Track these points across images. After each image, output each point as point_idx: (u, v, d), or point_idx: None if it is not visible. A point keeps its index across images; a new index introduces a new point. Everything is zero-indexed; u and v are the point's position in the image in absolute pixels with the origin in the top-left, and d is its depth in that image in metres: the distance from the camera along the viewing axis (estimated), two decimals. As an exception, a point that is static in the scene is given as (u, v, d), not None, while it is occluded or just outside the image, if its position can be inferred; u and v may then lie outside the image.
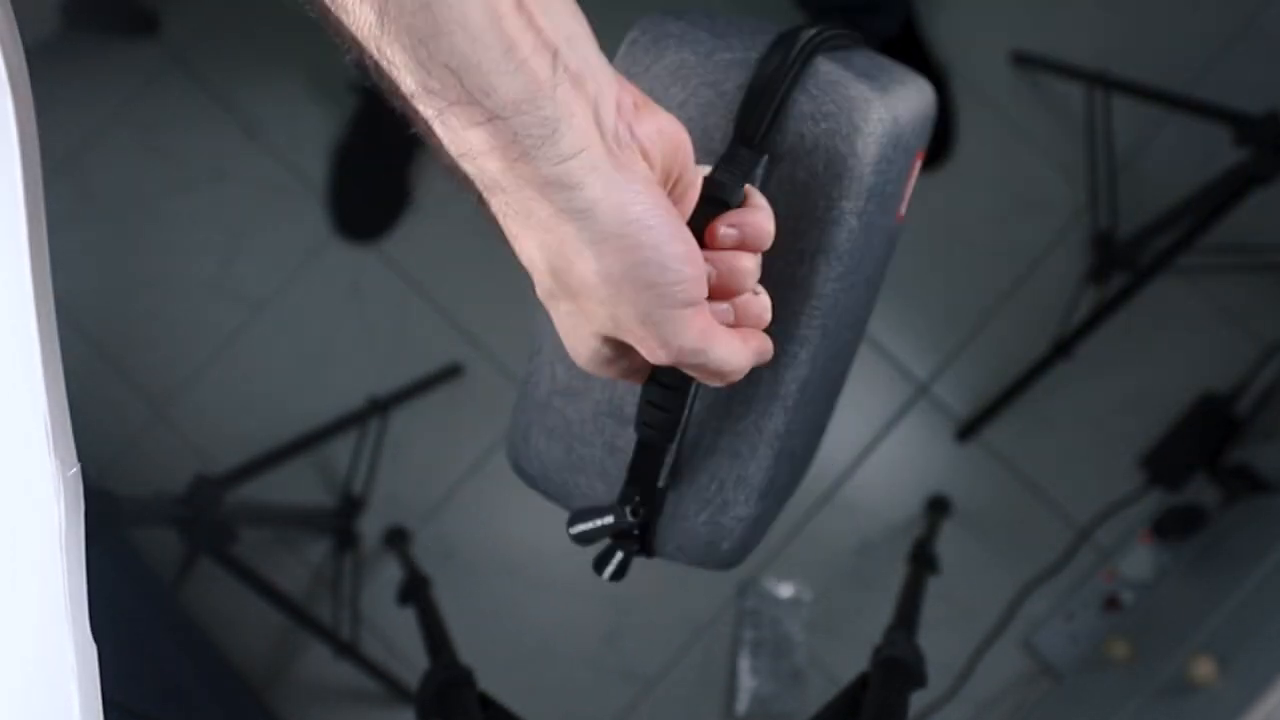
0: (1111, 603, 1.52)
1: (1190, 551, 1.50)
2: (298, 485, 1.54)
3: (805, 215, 0.50)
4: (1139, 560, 1.52)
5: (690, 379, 0.46)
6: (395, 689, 1.48)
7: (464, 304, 1.58)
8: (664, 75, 0.51)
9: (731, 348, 0.42)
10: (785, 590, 1.53)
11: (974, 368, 1.55)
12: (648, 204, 0.37)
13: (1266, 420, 1.50)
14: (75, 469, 0.42)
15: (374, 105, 1.55)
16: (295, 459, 1.47)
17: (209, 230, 1.60)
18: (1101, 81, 1.45)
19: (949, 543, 1.44)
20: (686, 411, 0.49)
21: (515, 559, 1.56)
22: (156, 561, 1.45)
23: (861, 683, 0.78)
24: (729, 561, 0.58)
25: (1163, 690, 1.24)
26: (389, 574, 1.52)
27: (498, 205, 0.37)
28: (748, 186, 0.45)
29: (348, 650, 1.42)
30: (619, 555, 0.57)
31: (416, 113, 0.35)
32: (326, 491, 1.55)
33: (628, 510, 0.55)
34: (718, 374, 0.42)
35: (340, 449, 1.54)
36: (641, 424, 0.49)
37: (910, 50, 1.54)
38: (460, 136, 0.35)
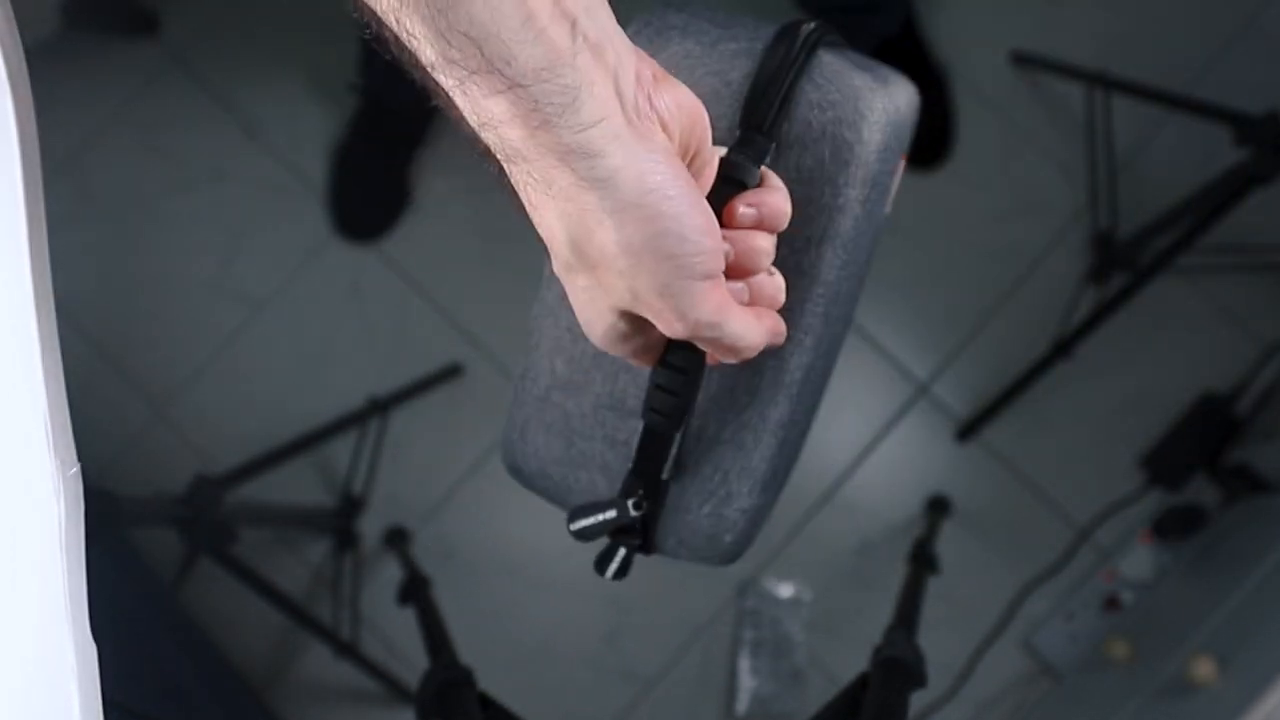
0: (1111, 603, 1.52)
1: (1190, 551, 1.50)
2: (298, 485, 1.54)
3: (812, 202, 0.51)
4: (1139, 560, 1.52)
5: (701, 364, 0.46)
6: (395, 689, 1.48)
7: (464, 304, 1.58)
8: (668, 65, 0.52)
9: (747, 323, 0.42)
10: (785, 590, 1.53)
11: (974, 368, 1.55)
12: (668, 174, 0.37)
13: (1266, 420, 1.50)
14: (75, 469, 0.42)
15: (374, 105, 1.55)
16: (295, 459, 1.47)
17: (209, 230, 1.60)
18: (1101, 81, 1.45)
19: (949, 543, 1.44)
20: (694, 398, 0.49)
21: (515, 559, 1.56)
22: (156, 561, 1.45)
23: (861, 683, 0.78)
24: (730, 555, 0.58)
25: (1163, 690, 1.24)
26: (389, 574, 1.52)
27: (519, 175, 0.37)
28: (764, 168, 0.45)
29: (348, 650, 1.42)
30: (621, 552, 0.56)
31: (437, 84, 0.35)
32: (326, 491, 1.55)
33: (630, 504, 0.54)
34: (732, 349, 0.42)
35: (340, 449, 1.54)
36: (649, 410, 0.49)
37: (910, 50, 1.54)
38: (481, 105, 0.35)
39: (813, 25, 0.50)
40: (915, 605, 1.07)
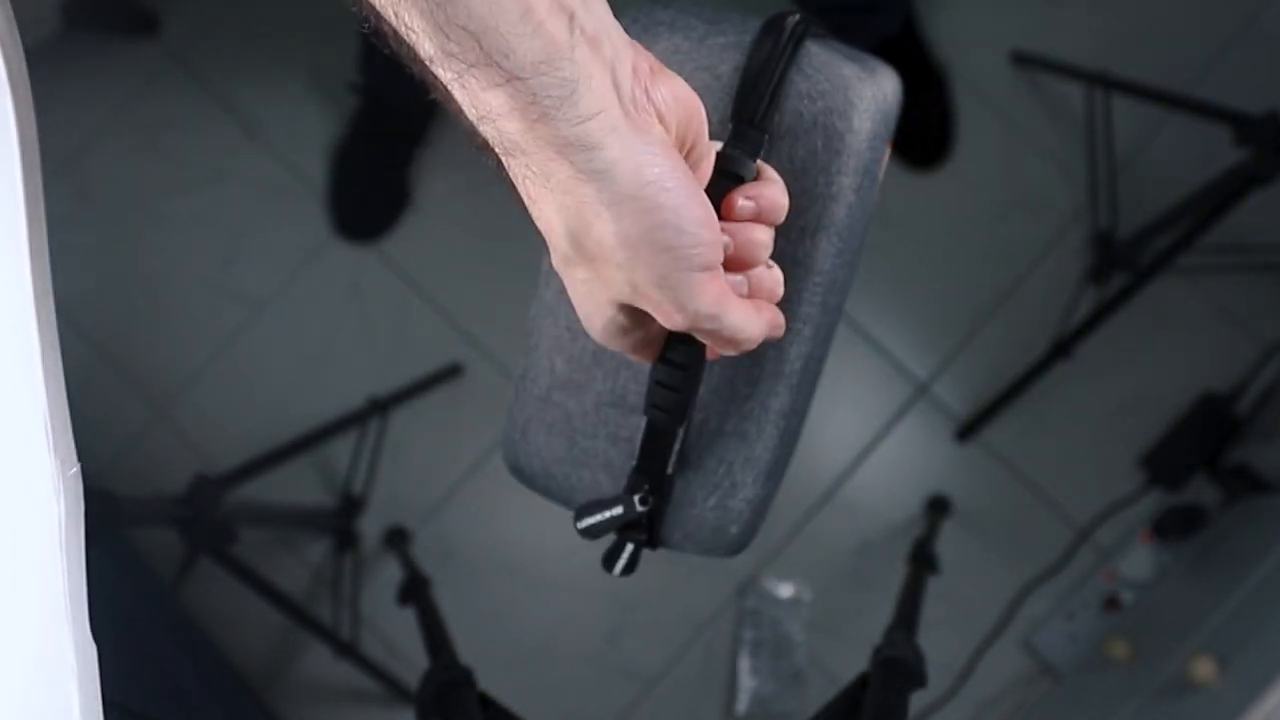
0: (1111, 603, 1.52)
1: (1190, 551, 1.50)
2: (298, 485, 1.54)
3: (806, 192, 0.51)
4: (1139, 560, 1.52)
5: (700, 359, 0.47)
6: (395, 689, 1.48)
7: (464, 304, 1.58)
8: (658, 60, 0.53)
9: (746, 315, 0.42)
10: (785, 590, 1.53)
11: (974, 368, 1.55)
12: (665, 166, 0.37)
13: (1266, 420, 1.50)
14: (75, 469, 0.42)
15: (374, 104, 1.55)
16: (295, 459, 1.47)
17: (209, 230, 1.60)
18: (1101, 81, 1.45)
19: (949, 543, 1.44)
20: (696, 393, 0.49)
21: (515, 559, 1.56)
22: (156, 561, 1.45)
23: (861, 683, 0.78)
24: (736, 546, 0.58)
25: (1163, 690, 1.24)
26: (389, 574, 1.52)
27: (517, 168, 0.37)
28: (759, 162, 0.46)
29: (348, 650, 1.42)
30: (629, 548, 0.56)
31: (435, 78, 0.35)
32: (326, 491, 1.55)
33: (636, 499, 0.54)
34: (732, 341, 0.42)
35: (340, 449, 1.54)
36: (651, 406, 0.49)
37: (910, 50, 1.54)
38: (480, 99, 0.35)
39: (798, 17, 0.51)
40: (915, 605, 1.07)
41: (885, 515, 1.55)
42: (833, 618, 1.53)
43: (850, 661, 1.51)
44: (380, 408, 1.51)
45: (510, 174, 0.38)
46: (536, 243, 0.42)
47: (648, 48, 0.53)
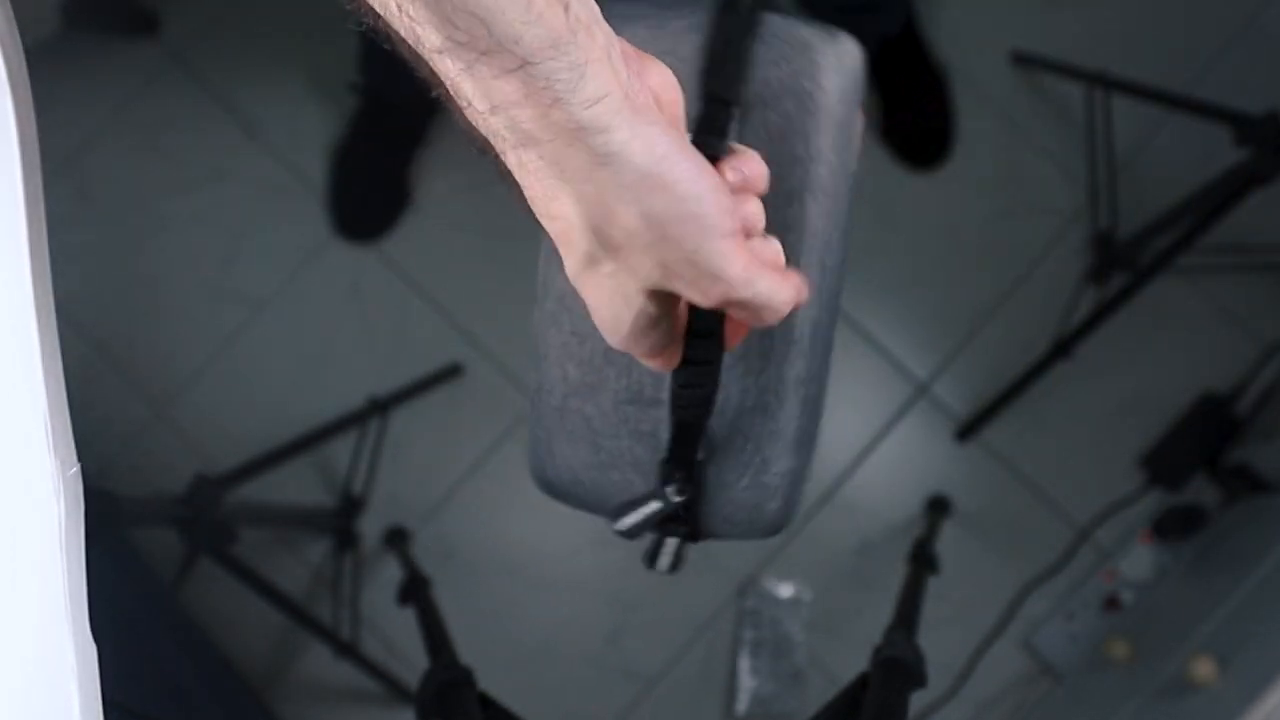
0: (1111, 603, 1.52)
1: (1190, 551, 1.50)
2: (298, 485, 1.54)
3: (785, 157, 0.52)
4: (1139, 560, 1.52)
5: (719, 351, 0.46)
6: (395, 689, 1.48)
7: (464, 304, 1.58)
8: None
9: (775, 280, 0.42)
10: (785, 590, 1.53)
11: (974, 368, 1.55)
12: (673, 142, 0.38)
13: (1266, 420, 1.50)
14: (75, 469, 0.42)
15: (374, 104, 1.55)
16: (295, 459, 1.47)
17: (209, 230, 1.60)
18: (1101, 81, 1.44)
19: (949, 543, 1.44)
20: (718, 385, 0.49)
21: (515, 559, 1.56)
22: (156, 561, 1.45)
23: (861, 683, 0.78)
24: (776, 523, 0.57)
25: (1163, 690, 1.24)
26: (389, 574, 1.52)
27: (530, 162, 0.37)
28: (729, 141, 0.46)
29: (348, 650, 1.42)
30: (671, 542, 0.56)
31: (437, 74, 0.35)
32: (326, 491, 1.55)
33: (672, 491, 0.54)
34: (766, 307, 0.42)
35: (340, 449, 1.54)
36: (677, 408, 0.49)
37: (910, 50, 1.54)
38: (491, 87, 0.35)
39: None
40: (915, 605, 1.07)
41: (885, 515, 1.55)
42: (833, 618, 1.53)
43: (850, 661, 1.51)
44: (380, 408, 1.51)
45: (518, 172, 0.38)
46: (537, 242, 0.42)
47: None
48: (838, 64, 0.52)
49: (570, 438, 0.59)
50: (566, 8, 0.34)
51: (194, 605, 1.49)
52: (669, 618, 1.54)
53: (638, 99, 0.37)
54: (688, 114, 0.46)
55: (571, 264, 0.41)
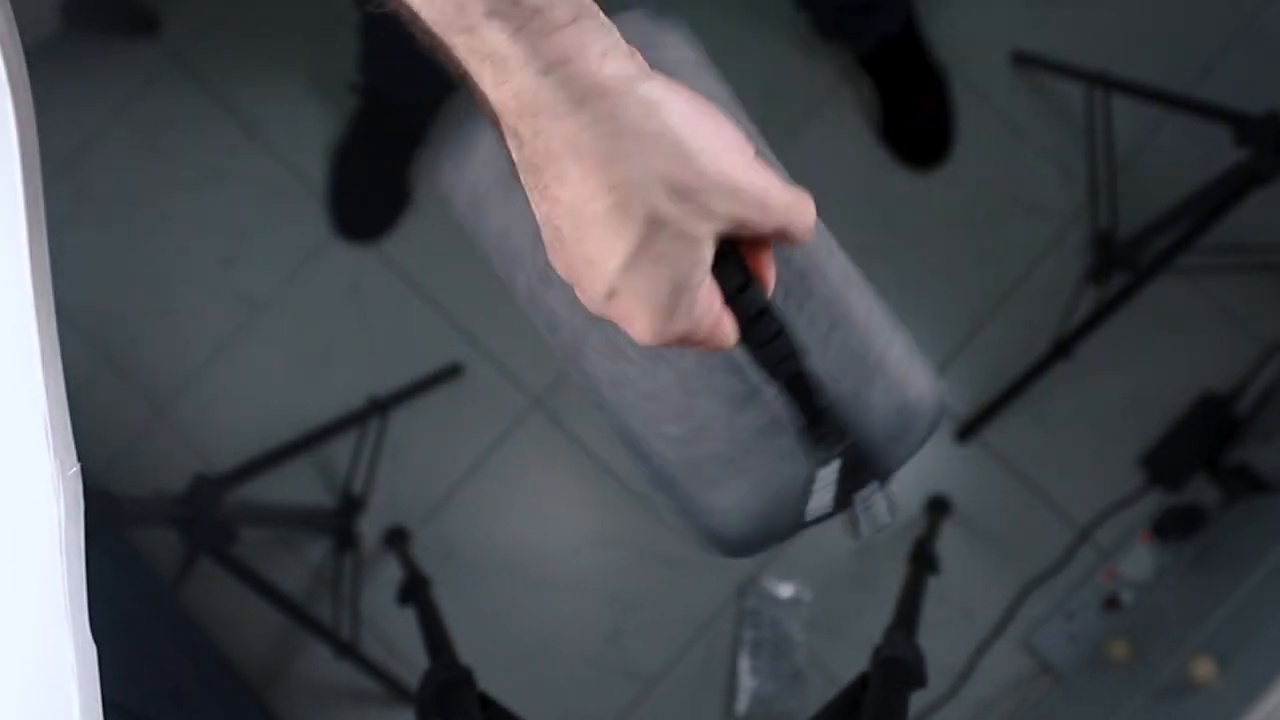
0: (1111, 603, 1.52)
1: (1190, 551, 1.50)
2: (298, 485, 1.54)
3: None
4: (1139, 560, 1.52)
5: (764, 294, 0.45)
6: (395, 689, 1.48)
7: (464, 304, 1.58)
8: None
9: (799, 193, 0.43)
10: (785, 590, 1.53)
11: (974, 368, 1.55)
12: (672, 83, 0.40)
13: (1266, 420, 1.50)
14: (75, 469, 0.42)
15: (374, 104, 1.55)
16: (295, 459, 1.47)
17: (209, 230, 1.60)
18: (1101, 81, 1.45)
19: (949, 543, 1.44)
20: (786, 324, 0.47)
21: (515, 559, 1.56)
22: (156, 561, 1.45)
23: (861, 683, 0.78)
24: (938, 406, 0.57)
25: (1163, 690, 1.24)
26: (389, 574, 1.52)
27: (588, 117, 0.38)
28: None
29: (348, 650, 1.42)
30: (871, 492, 0.54)
31: (469, 49, 0.38)
32: (326, 491, 1.55)
33: (829, 445, 0.52)
34: (804, 225, 0.43)
35: (340, 449, 1.54)
36: (773, 370, 0.47)
37: (910, 50, 1.54)
38: (544, 45, 0.37)
39: None
40: (915, 605, 1.07)
41: (885, 515, 1.54)
42: (833, 618, 1.53)
43: (850, 661, 1.51)
44: (380, 408, 1.51)
45: (574, 139, 0.38)
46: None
47: None
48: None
49: (718, 487, 0.55)
50: None
51: (194, 605, 1.49)
52: (669, 618, 1.54)
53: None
54: None
55: (640, 251, 0.40)
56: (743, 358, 0.51)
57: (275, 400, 1.57)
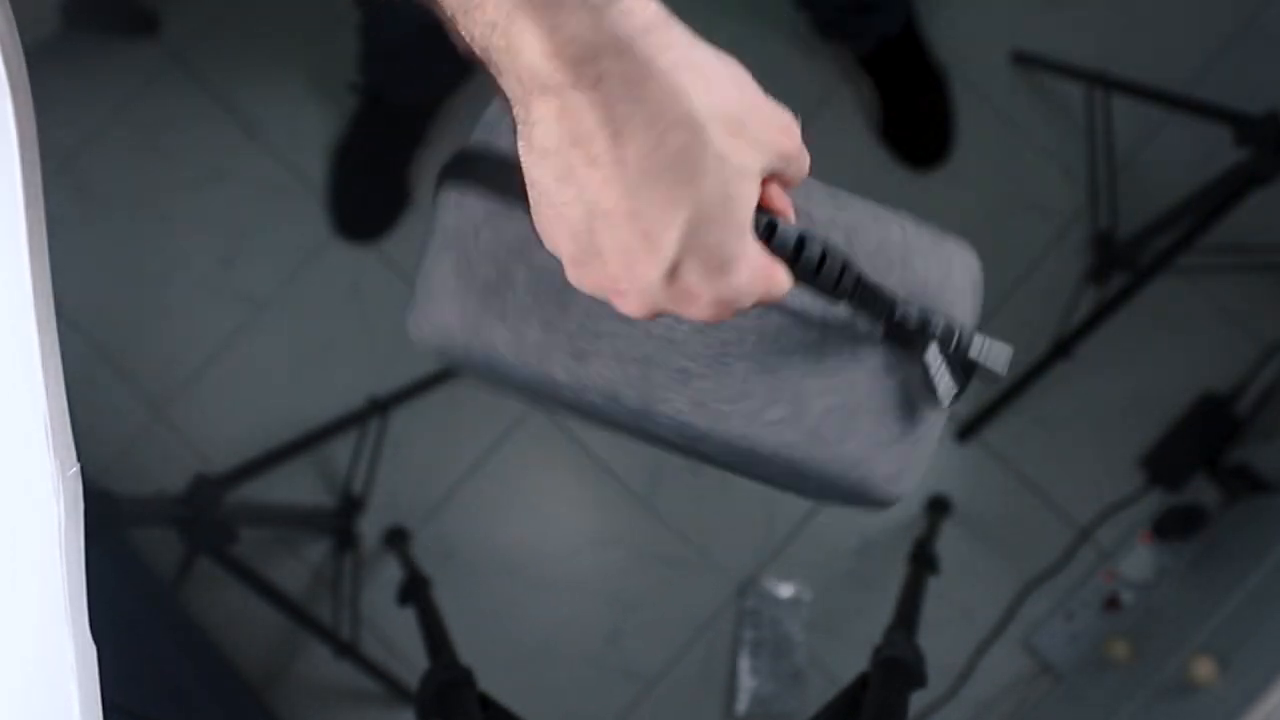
0: (1111, 603, 1.52)
1: (1190, 551, 1.50)
2: (298, 485, 1.54)
3: None
4: (1139, 560, 1.52)
5: (793, 224, 0.45)
6: (395, 689, 1.48)
7: (464, 304, 1.58)
8: None
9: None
10: (785, 590, 1.53)
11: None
12: None
13: (1266, 420, 1.50)
14: (75, 469, 0.42)
15: (374, 104, 1.55)
16: (295, 459, 1.47)
17: (209, 230, 1.60)
18: (1101, 81, 1.45)
19: (949, 543, 1.44)
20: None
21: (515, 559, 1.56)
22: (156, 561, 1.45)
23: (861, 683, 0.78)
24: (970, 254, 0.59)
25: (1163, 690, 1.24)
26: (389, 574, 1.52)
27: (662, 43, 0.37)
28: None
29: (348, 650, 1.42)
30: (980, 342, 0.54)
31: (502, 11, 0.36)
32: (326, 491, 1.55)
33: (923, 327, 0.51)
34: (795, 156, 0.43)
35: (340, 449, 1.54)
36: (834, 290, 0.46)
37: (910, 50, 1.54)
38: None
39: None
40: (915, 605, 1.07)
41: (885, 515, 1.55)
42: (833, 618, 1.53)
43: (850, 661, 1.51)
44: (380, 408, 1.51)
45: (626, 87, 0.36)
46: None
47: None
48: None
49: (846, 439, 0.54)
50: None
51: (194, 605, 1.49)
52: (669, 618, 1.54)
53: None
54: None
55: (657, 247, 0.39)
56: (794, 305, 0.51)
57: (275, 400, 1.57)
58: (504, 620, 1.54)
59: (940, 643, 1.41)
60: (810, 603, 1.53)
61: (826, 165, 0.51)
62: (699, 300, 0.40)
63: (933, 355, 0.52)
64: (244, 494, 1.41)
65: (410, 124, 1.56)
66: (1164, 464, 1.51)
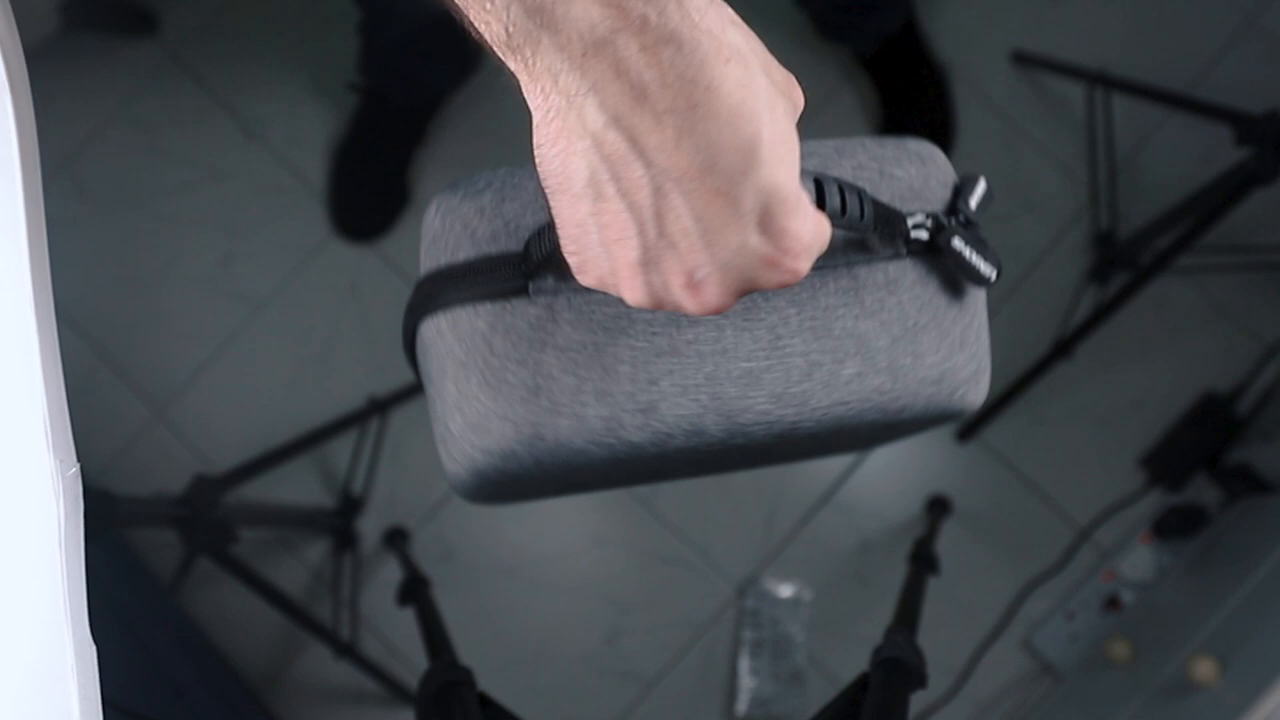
0: (1111, 603, 1.52)
1: (1190, 551, 1.50)
2: (298, 485, 1.54)
3: None
4: (1139, 560, 1.52)
5: (813, 170, 0.46)
6: (395, 689, 1.48)
7: (464, 304, 1.58)
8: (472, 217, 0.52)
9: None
10: (785, 590, 1.53)
11: (974, 368, 1.55)
12: None
13: (1266, 420, 1.50)
14: (74, 469, 0.42)
15: (373, 104, 1.55)
16: (295, 459, 1.47)
17: (209, 230, 1.60)
18: (1101, 81, 1.45)
19: (949, 543, 1.44)
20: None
21: (515, 559, 1.56)
22: (156, 561, 1.45)
23: (861, 683, 0.78)
24: (938, 153, 0.60)
25: (1163, 690, 1.24)
26: (389, 574, 1.52)
27: (703, 20, 0.35)
28: None
29: (348, 650, 1.42)
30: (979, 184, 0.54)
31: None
32: (326, 491, 1.55)
33: (942, 222, 0.53)
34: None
35: (340, 449, 1.54)
36: (858, 224, 0.47)
37: (911, 49, 1.54)
38: None
39: None
40: (915, 605, 1.07)
41: (885, 515, 1.55)
42: (833, 618, 1.53)
43: (850, 661, 1.51)
44: (380, 408, 1.51)
45: (713, 39, 0.35)
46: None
47: (513, 199, 0.52)
48: None
49: (916, 366, 0.55)
50: None
51: (194, 605, 1.49)
52: (669, 618, 1.54)
53: None
54: None
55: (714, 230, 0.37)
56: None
57: (275, 400, 1.57)
58: (503, 620, 1.54)
59: (940, 643, 1.41)
60: (810, 603, 1.53)
61: (827, 165, 0.52)
62: (782, 259, 0.38)
63: (958, 243, 0.52)
64: (244, 494, 1.41)
65: (410, 124, 1.56)
66: (1164, 464, 1.51)
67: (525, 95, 0.37)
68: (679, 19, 0.34)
